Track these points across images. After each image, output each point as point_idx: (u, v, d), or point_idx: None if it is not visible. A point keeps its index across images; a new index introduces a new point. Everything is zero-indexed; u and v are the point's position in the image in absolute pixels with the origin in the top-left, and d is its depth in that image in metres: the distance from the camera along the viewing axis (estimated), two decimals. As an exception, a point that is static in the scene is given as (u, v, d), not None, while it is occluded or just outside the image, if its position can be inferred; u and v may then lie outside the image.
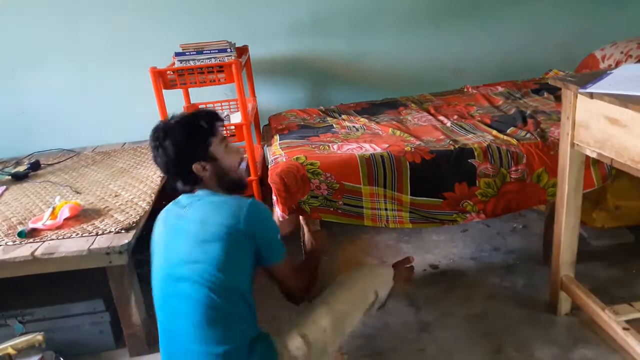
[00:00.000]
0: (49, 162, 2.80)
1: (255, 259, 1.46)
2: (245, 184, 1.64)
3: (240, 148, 1.67)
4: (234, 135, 2.38)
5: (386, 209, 2.01)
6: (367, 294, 1.63)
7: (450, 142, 2.08)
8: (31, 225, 1.98)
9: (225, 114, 2.72)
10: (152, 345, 1.98)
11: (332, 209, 2.00)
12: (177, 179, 1.54)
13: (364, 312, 1.62)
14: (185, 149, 1.49)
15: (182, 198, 1.53)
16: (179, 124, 1.51)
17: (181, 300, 1.40)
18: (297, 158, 2.01)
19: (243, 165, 1.65)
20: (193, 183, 1.53)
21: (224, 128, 1.65)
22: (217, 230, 1.39)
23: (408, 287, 1.69)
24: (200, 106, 2.81)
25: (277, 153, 2.14)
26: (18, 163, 2.80)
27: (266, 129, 2.75)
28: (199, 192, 1.52)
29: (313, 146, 2.16)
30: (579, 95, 1.63)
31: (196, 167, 1.49)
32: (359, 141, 2.20)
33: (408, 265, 1.83)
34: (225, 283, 1.38)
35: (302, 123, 2.57)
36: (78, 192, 2.33)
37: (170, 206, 1.55)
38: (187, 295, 1.39)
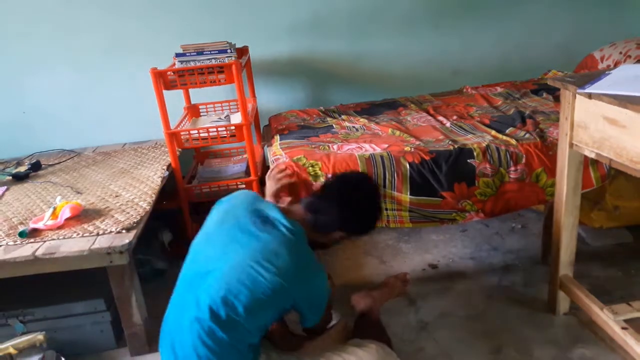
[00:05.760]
0: (50, 163, 2.80)
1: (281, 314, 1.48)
2: (325, 247, 1.77)
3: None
4: (234, 136, 2.39)
5: (386, 209, 2.01)
6: None
7: (450, 142, 2.09)
8: (32, 226, 1.98)
9: (226, 114, 2.72)
10: (152, 344, 1.98)
11: (332, 209, 2.00)
12: (313, 211, 1.55)
13: None
14: (360, 213, 1.60)
15: (260, 215, 1.47)
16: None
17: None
18: (297, 159, 2.02)
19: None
20: (314, 212, 1.55)
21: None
22: (270, 277, 1.36)
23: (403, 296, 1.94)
24: (200, 106, 2.82)
25: (278, 153, 2.14)
26: (19, 163, 2.81)
27: (266, 129, 2.75)
28: (283, 221, 1.45)
29: (313, 146, 2.17)
30: (577, 95, 1.64)
31: (337, 231, 1.59)
32: (359, 141, 2.20)
33: (404, 280, 1.95)
34: (237, 322, 1.36)
35: (302, 123, 2.57)
36: (79, 193, 2.34)
37: (240, 211, 1.50)
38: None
